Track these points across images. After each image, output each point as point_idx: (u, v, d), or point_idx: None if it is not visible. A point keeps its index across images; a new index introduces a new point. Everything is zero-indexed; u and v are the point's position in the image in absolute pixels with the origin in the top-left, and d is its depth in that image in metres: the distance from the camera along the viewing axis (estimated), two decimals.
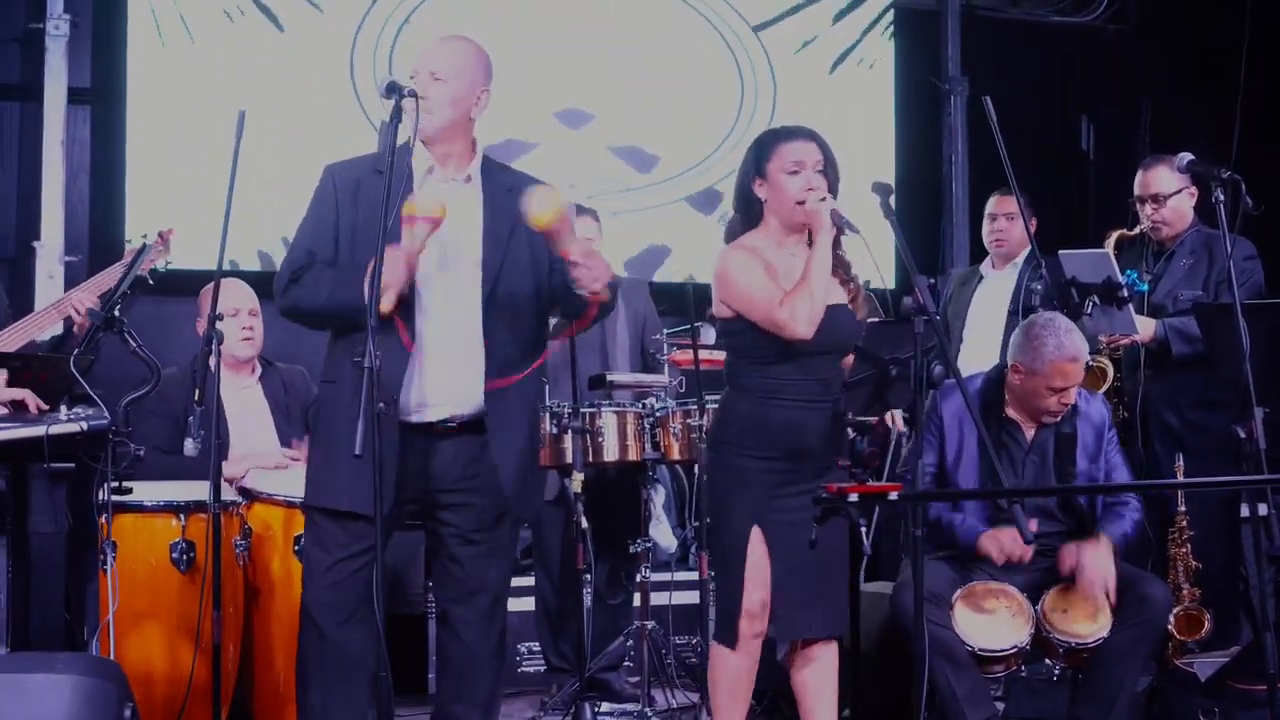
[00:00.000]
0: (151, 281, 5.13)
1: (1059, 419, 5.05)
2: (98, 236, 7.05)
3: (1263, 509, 6.50)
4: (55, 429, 4.03)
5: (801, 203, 4.36)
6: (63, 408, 4.12)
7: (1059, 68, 8.84)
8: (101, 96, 7.15)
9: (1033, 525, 4.47)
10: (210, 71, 7.18)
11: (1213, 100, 8.26)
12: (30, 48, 7.07)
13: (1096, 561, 4.86)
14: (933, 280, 5.64)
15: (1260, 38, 8.10)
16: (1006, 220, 6.35)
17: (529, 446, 4.37)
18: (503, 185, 4.30)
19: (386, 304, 3.95)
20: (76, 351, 4.46)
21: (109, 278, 5.21)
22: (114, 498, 4.46)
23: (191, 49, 7.14)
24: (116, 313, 4.54)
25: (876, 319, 5.61)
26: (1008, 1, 8.82)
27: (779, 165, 4.42)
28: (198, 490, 4.90)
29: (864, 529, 3.55)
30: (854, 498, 3.05)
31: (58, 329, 5.21)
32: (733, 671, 4.52)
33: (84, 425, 4.09)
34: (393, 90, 3.99)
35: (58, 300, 5.20)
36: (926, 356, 4.09)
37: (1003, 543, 4.92)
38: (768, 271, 4.39)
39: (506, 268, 4.21)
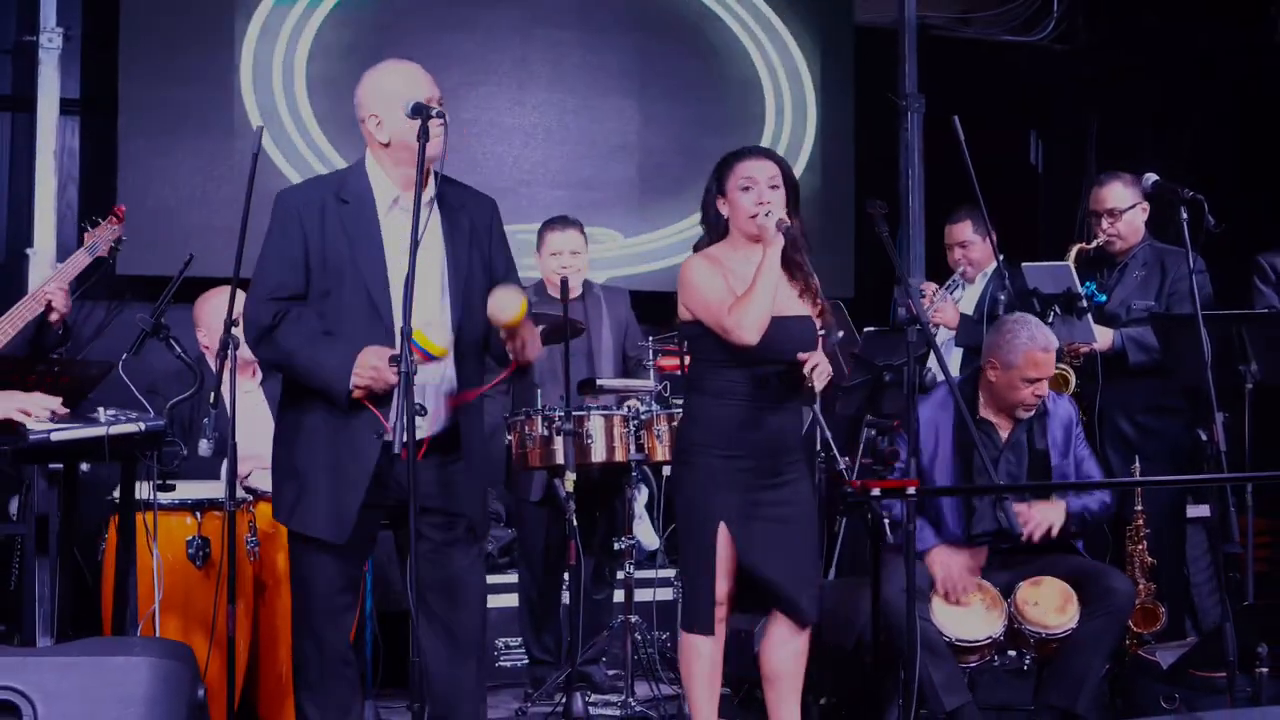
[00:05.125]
0: (111, 261, 5.27)
1: (1032, 413, 5.31)
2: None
3: (1203, 509, 6.88)
4: (116, 429, 4.18)
5: (754, 216, 4.64)
6: (100, 410, 4.25)
7: (1010, 85, 9.02)
8: (92, 107, 7.26)
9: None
10: (200, 82, 7.30)
11: (1159, 118, 8.50)
12: (22, 59, 7.18)
13: (1045, 511, 5.17)
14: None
15: (1209, 57, 8.35)
16: (961, 249, 6.63)
17: (483, 455, 4.54)
18: (455, 202, 4.35)
19: (358, 393, 4.07)
20: (126, 356, 4.63)
21: (74, 266, 5.37)
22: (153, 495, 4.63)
23: (181, 60, 7.25)
24: (163, 320, 4.69)
25: (843, 331, 5.88)
26: (960, 21, 8.98)
27: (734, 183, 4.71)
28: (210, 489, 5.12)
29: (885, 523, 3.76)
30: (876, 492, 3.27)
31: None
32: (704, 659, 4.75)
33: (142, 426, 4.25)
34: (419, 111, 4.03)
35: (32, 294, 5.26)
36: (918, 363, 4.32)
37: (951, 573, 5.17)
38: (727, 280, 4.65)
39: (470, 288, 4.28)
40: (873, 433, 5.94)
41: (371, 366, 4.06)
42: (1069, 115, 9.07)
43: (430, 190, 4.22)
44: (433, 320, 4.10)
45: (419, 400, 3.94)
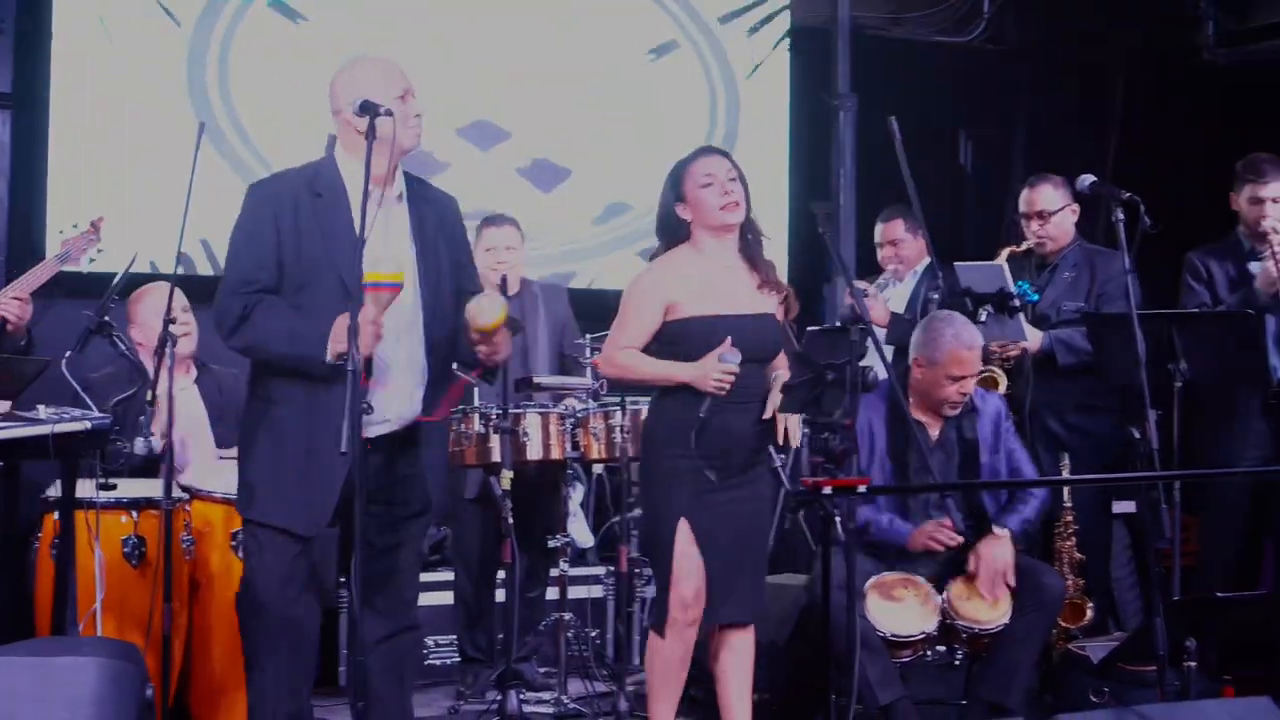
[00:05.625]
0: (86, 271, 5.20)
1: (959, 411, 5.37)
2: (17, 240, 7.06)
3: (1128, 505, 6.98)
4: (60, 428, 4.15)
5: (723, 208, 4.68)
6: (40, 408, 4.21)
7: (940, 85, 9.07)
8: (23, 101, 7.16)
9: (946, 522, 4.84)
10: (132, 76, 7.21)
11: (1087, 120, 8.60)
12: None
13: (995, 553, 5.20)
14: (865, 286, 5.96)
15: (1136, 60, 8.46)
16: (893, 247, 6.69)
17: (445, 451, 4.60)
18: (424, 200, 4.39)
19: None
20: (70, 354, 4.59)
21: (44, 272, 5.30)
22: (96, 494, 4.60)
23: (113, 53, 7.16)
24: (107, 317, 4.65)
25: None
26: (892, 21, 9.02)
27: (693, 183, 4.74)
28: (146, 488, 5.09)
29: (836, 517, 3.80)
30: (828, 490, 3.31)
31: None
32: (666, 658, 4.78)
33: (88, 424, 4.22)
34: (367, 109, 4.04)
35: None
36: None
37: (935, 535, 5.24)
38: (684, 288, 4.70)
39: (439, 285, 4.32)
40: (815, 430, 6.00)
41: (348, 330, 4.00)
42: (998, 116, 9.14)
43: (399, 185, 4.28)
44: (381, 259, 4.08)
45: (371, 398, 3.98)
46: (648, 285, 4.77)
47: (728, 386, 4.59)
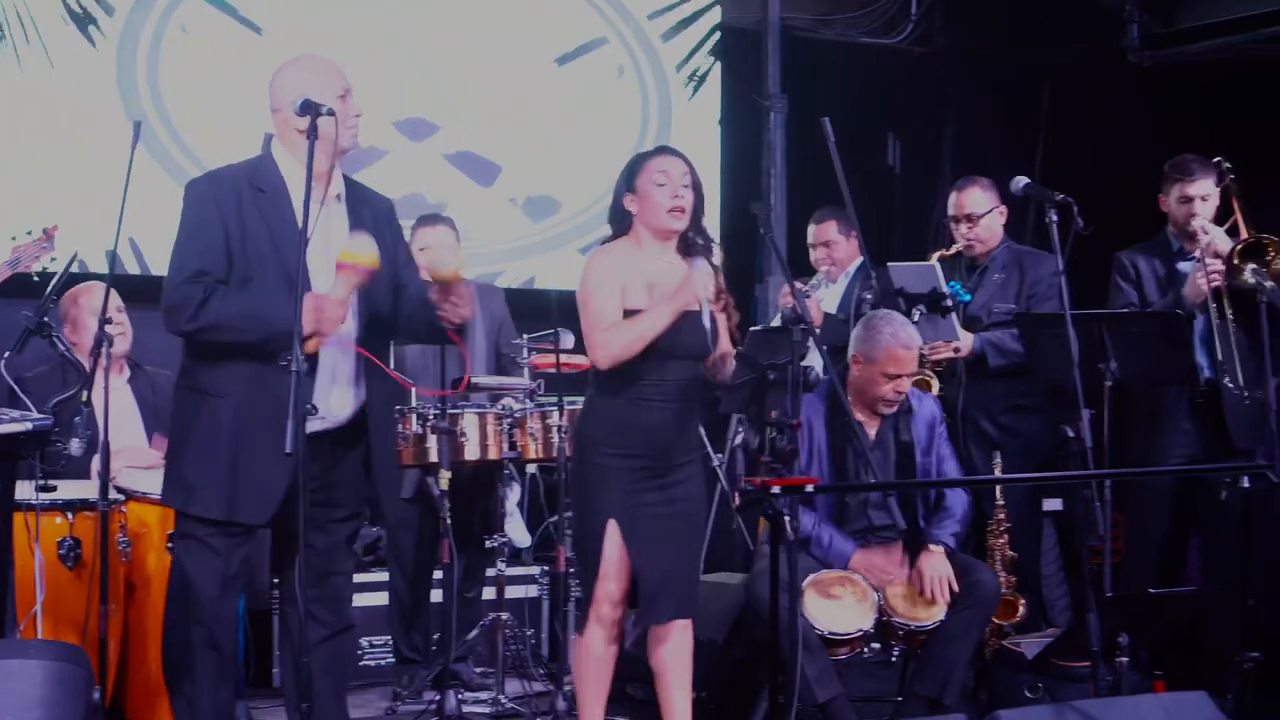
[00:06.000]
0: (36, 279, 5.14)
1: (895, 409, 5.41)
2: None
3: (1056, 503, 7.08)
4: (2, 429, 4.10)
5: (670, 210, 4.69)
6: None
7: (868, 87, 9.16)
8: None
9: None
10: (45, 80, 7.13)
11: (1013, 122, 8.69)
12: None
13: (934, 566, 5.25)
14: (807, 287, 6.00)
15: (1062, 63, 8.56)
16: (826, 248, 6.73)
17: (392, 449, 4.60)
18: (361, 200, 4.42)
19: (312, 346, 4.07)
20: (9, 354, 4.53)
21: None
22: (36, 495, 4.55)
23: (30, 56, 7.10)
24: (46, 318, 4.61)
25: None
26: (821, 23, 9.07)
27: (647, 178, 4.74)
28: (81, 489, 5.04)
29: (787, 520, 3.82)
30: (776, 490, 3.34)
31: None
32: (594, 657, 4.81)
33: (30, 425, 4.18)
34: (308, 108, 4.06)
35: None
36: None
37: (878, 568, 5.28)
38: (625, 284, 4.69)
39: (375, 284, 4.31)
40: (743, 430, 6.04)
41: (316, 309, 4.05)
42: (925, 118, 9.21)
43: (338, 185, 4.30)
44: (350, 243, 4.12)
45: (314, 398, 3.99)
46: (601, 271, 4.74)
47: (714, 286, 4.61)
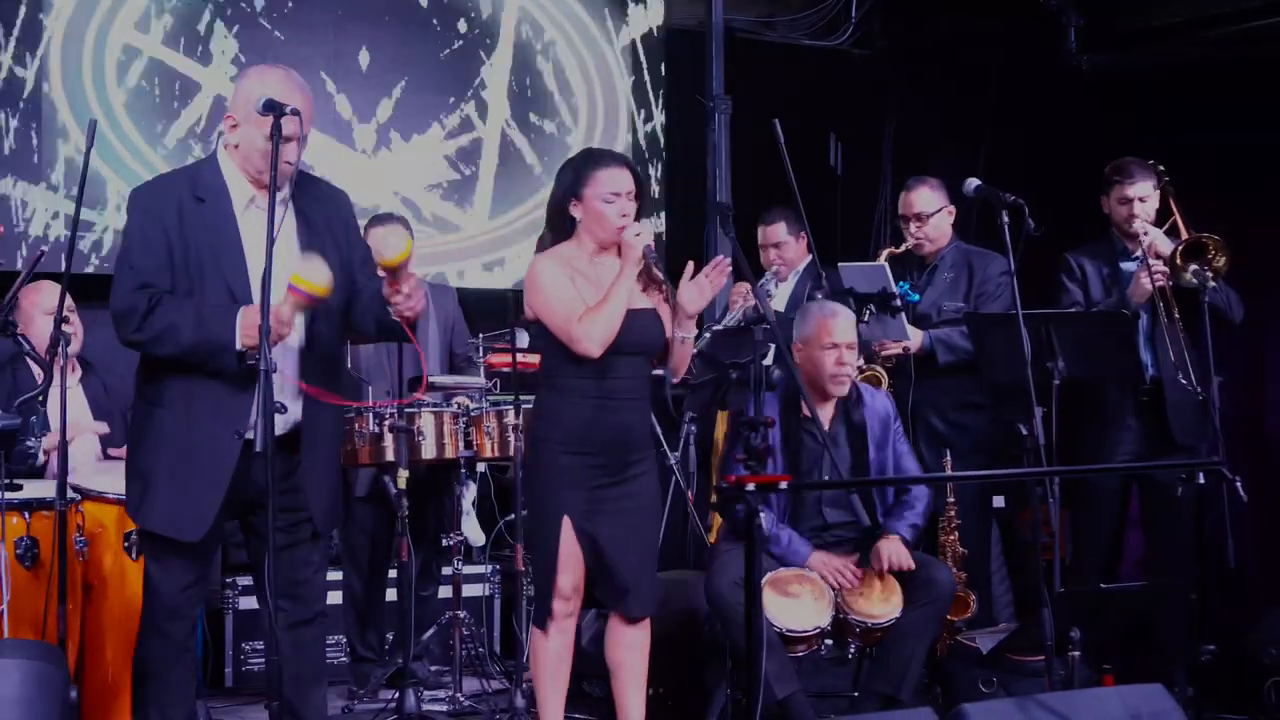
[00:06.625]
0: None
1: (846, 387, 5.44)
2: None
3: (1000, 501, 7.16)
4: None
5: (621, 228, 4.72)
6: None
7: (810, 88, 9.18)
8: None
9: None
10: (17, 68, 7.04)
11: (953, 123, 8.76)
12: None
13: (893, 548, 5.30)
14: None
15: (1001, 66, 8.64)
16: (775, 249, 6.80)
17: (336, 461, 4.58)
18: (311, 197, 4.37)
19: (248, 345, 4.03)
20: None
21: None
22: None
23: None
24: (12, 317, 4.58)
25: None
26: (763, 24, 9.11)
27: (595, 192, 4.77)
28: (38, 488, 5.00)
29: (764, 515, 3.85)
30: (751, 487, 3.38)
31: None
32: (551, 653, 4.85)
33: None
34: (271, 108, 4.02)
35: None
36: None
37: (835, 569, 5.30)
38: (575, 284, 4.73)
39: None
40: (693, 429, 6.09)
41: (256, 325, 3.98)
42: (866, 119, 9.28)
43: (286, 190, 4.22)
44: (303, 267, 4.06)
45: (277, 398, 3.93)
46: (551, 271, 4.77)
47: (649, 240, 4.68)
